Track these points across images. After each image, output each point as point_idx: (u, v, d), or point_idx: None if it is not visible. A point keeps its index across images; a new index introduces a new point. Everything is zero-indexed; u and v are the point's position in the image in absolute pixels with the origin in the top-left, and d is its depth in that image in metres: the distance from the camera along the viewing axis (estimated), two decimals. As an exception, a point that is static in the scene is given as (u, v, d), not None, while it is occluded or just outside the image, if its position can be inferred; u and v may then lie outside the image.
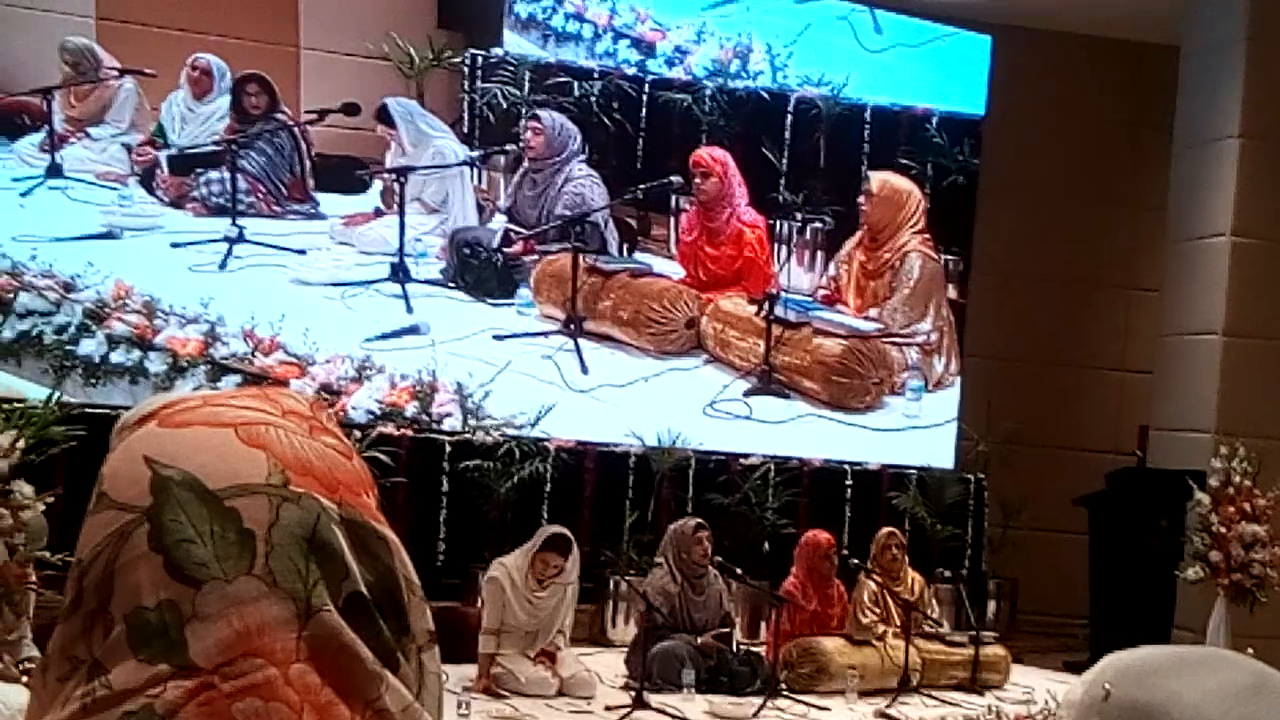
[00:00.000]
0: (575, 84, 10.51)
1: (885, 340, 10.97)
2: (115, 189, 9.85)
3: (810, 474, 10.46)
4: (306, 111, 10.12)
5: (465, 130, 10.40)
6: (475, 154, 10.47)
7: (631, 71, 10.81)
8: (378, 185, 10.31)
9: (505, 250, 10.32)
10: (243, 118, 10.08)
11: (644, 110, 10.71)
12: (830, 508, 10.22)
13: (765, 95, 11.01)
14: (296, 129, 10.10)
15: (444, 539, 9.38)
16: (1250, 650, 1.39)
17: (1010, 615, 10.77)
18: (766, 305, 10.51)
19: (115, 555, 0.80)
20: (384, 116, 10.12)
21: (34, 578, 4.89)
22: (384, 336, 9.94)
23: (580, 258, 10.18)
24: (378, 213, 10.25)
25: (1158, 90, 10.77)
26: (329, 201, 10.24)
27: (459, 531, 9.41)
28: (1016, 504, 10.73)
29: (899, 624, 8.52)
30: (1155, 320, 10.69)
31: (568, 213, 10.31)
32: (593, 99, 10.54)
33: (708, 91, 10.83)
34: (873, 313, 11.00)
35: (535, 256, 10.42)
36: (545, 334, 10.31)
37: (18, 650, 4.87)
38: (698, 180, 10.63)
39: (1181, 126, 10.36)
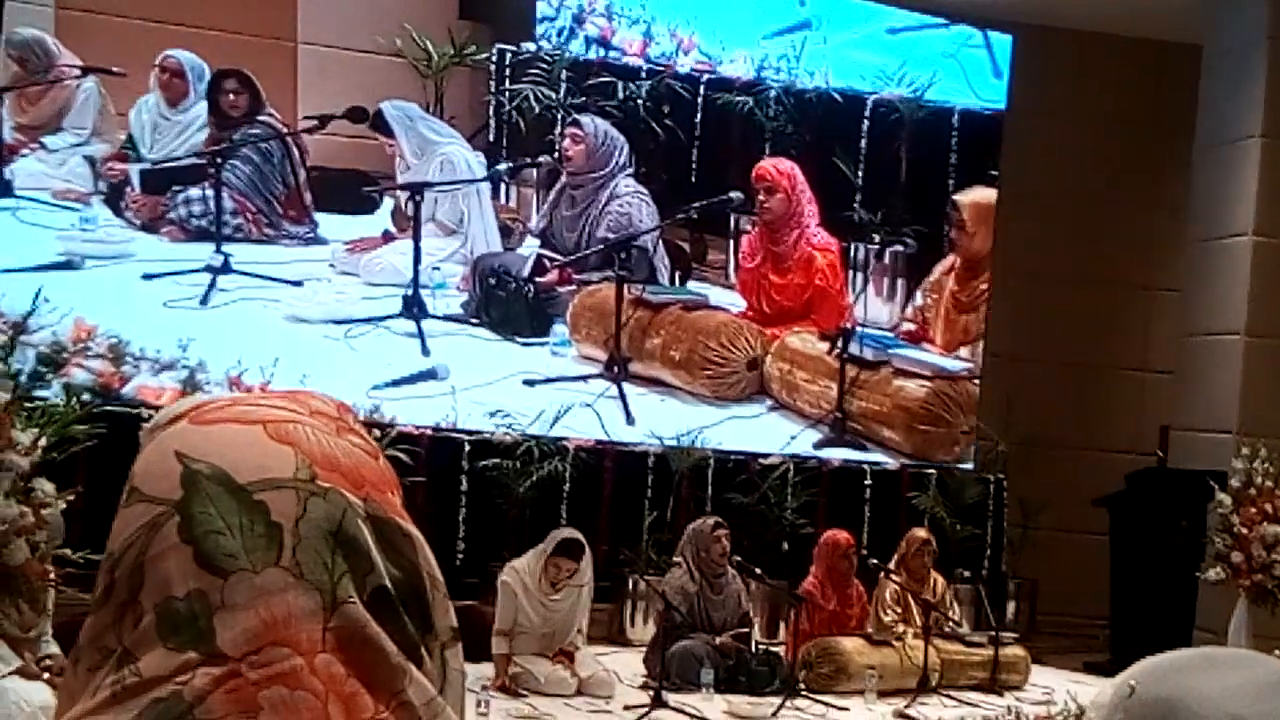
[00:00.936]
0: (620, 85, 9.47)
1: (976, 382, 10.06)
2: (76, 209, 8.62)
3: (829, 473, 10.40)
4: (305, 118, 8.94)
5: (491, 138, 9.30)
6: (504, 166, 9.30)
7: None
8: (388, 204, 9.18)
9: (537, 280, 9.26)
10: (221, 121, 8.83)
11: (699, 115, 9.62)
12: (849, 507, 10.18)
13: (838, 98, 9.91)
14: (288, 136, 8.92)
15: (463, 538, 9.35)
16: (1276, 652, 1.40)
17: (1030, 616, 10.75)
18: (840, 342, 9.58)
19: (146, 547, 0.81)
20: (379, 123, 9.00)
21: (54, 575, 4.91)
22: (396, 383, 8.90)
23: (625, 288, 9.15)
24: (388, 236, 9.12)
25: (1179, 90, 10.73)
26: (330, 224, 9.07)
27: (478, 530, 9.38)
28: (1036, 504, 10.71)
29: (919, 624, 8.52)
30: (1176, 320, 10.67)
31: (611, 235, 9.26)
32: (640, 102, 9.50)
33: (772, 93, 9.76)
34: (963, 351, 10.05)
35: (573, 287, 9.38)
36: (584, 378, 9.28)
37: (38, 648, 4.89)
38: (761, 197, 9.56)
39: (1203, 126, 10.34)
